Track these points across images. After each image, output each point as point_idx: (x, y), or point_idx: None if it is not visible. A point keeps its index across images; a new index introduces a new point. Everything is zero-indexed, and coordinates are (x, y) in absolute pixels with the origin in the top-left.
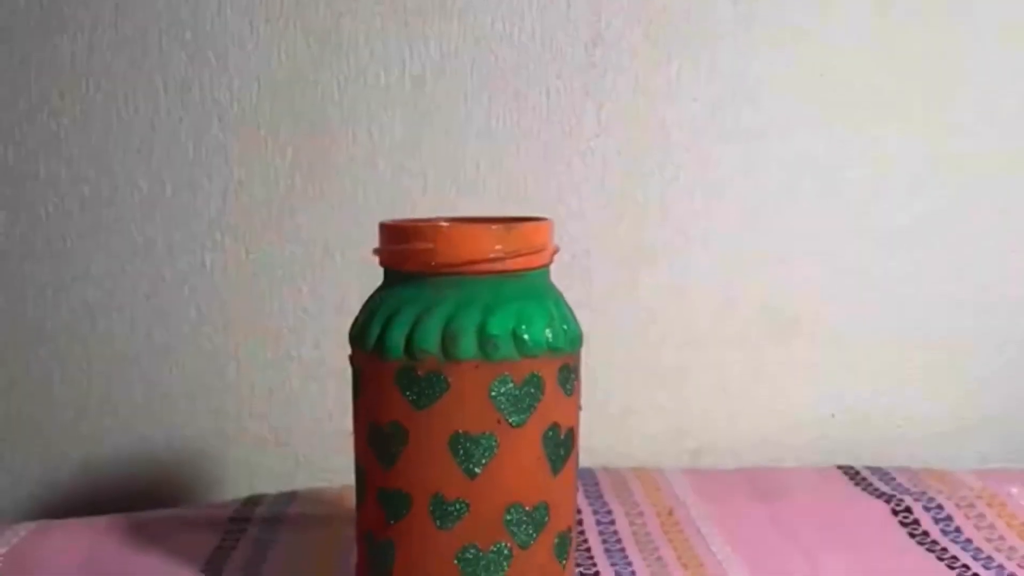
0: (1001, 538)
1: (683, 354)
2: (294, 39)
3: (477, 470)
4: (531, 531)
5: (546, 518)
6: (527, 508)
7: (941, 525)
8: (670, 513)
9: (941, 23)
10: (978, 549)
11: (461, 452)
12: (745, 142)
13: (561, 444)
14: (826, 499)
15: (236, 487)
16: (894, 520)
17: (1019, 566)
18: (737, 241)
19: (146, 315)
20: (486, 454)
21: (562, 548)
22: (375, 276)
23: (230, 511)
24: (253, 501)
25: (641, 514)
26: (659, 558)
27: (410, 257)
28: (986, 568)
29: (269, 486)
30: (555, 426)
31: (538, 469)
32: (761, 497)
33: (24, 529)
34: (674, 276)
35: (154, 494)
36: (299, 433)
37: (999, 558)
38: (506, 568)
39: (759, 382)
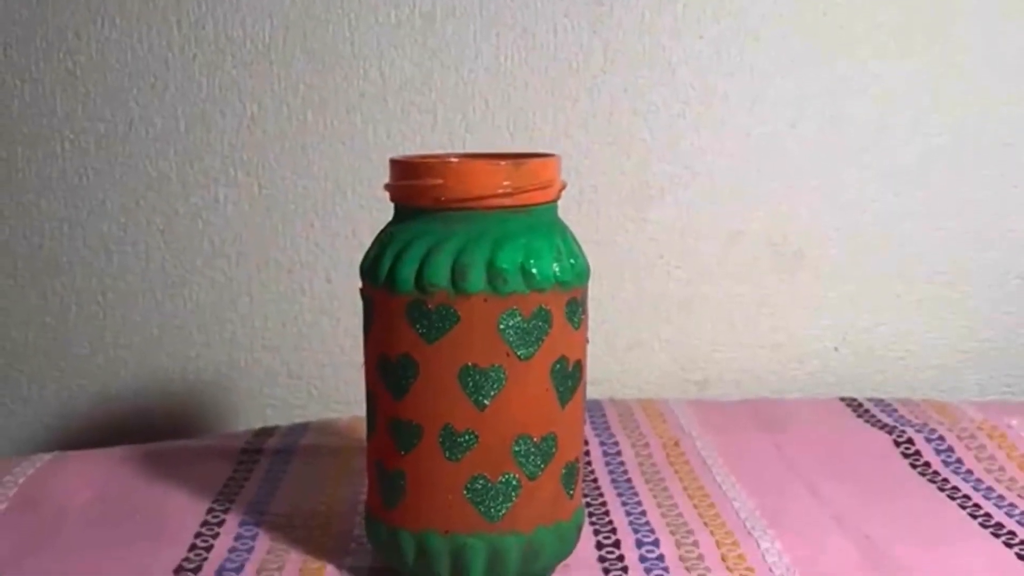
0: (1001, 469)
1: (689, 288)
2: None
3: (486, 402)
4: (539, 462)
5: (554, 449)
6: (535, 439)
7: (942, 456)
8: (676, 444)
9: None
10: (979, 480)
11: (470, 384)
12: (749, 79)
13: (569, 376)
14: (829, 430)
15: (248, 418)
16: (896, 451)
17: (1019, 496)
18: (742, 176)
19: (160, 249)
20: (495, 386)
21: (569, 478)
22: (385, 211)
23: (242, 442)
24: (265, 432)
25: (647, 445)
26: (665, 488)
27: (420, 192)
28: (986, 498)
29: (281, 417)
30: (563, 359)
31: (546, 401)
32: (765, 428)
33: (40, 460)
34: (680, 211)
35: (168, 425)
36: (311, 365)
37: (999, 489)
38: (514, 498)
39: (764, 315)
